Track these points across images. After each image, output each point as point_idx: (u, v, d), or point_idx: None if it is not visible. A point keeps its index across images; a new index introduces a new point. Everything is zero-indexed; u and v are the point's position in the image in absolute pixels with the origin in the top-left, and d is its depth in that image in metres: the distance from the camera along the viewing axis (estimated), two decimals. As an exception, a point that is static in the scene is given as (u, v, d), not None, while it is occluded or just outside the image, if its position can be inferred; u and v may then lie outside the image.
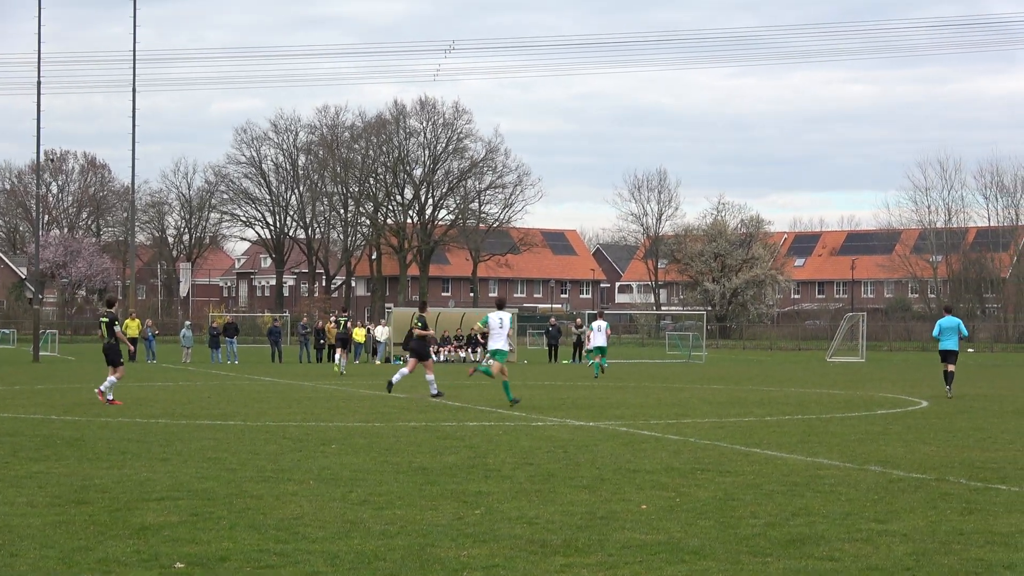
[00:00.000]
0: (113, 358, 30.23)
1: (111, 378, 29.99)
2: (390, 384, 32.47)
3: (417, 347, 32.85)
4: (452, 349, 64.68)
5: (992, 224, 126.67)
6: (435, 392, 31.86)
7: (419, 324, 33.58)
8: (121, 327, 31.64)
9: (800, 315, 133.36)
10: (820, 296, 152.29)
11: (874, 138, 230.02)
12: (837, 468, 17.89)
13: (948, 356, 35.51)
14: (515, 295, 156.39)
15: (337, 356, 51.53)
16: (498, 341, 30.82)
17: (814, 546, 11.91)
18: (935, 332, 36.46)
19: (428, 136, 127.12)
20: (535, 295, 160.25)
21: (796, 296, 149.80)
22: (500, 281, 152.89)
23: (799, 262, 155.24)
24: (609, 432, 23.36)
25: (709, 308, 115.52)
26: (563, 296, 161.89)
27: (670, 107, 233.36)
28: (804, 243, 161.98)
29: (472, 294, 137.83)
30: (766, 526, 12.95)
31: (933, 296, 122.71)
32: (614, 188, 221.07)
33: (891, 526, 13.01)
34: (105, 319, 30.76)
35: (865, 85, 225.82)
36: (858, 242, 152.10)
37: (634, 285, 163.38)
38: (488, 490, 15.37)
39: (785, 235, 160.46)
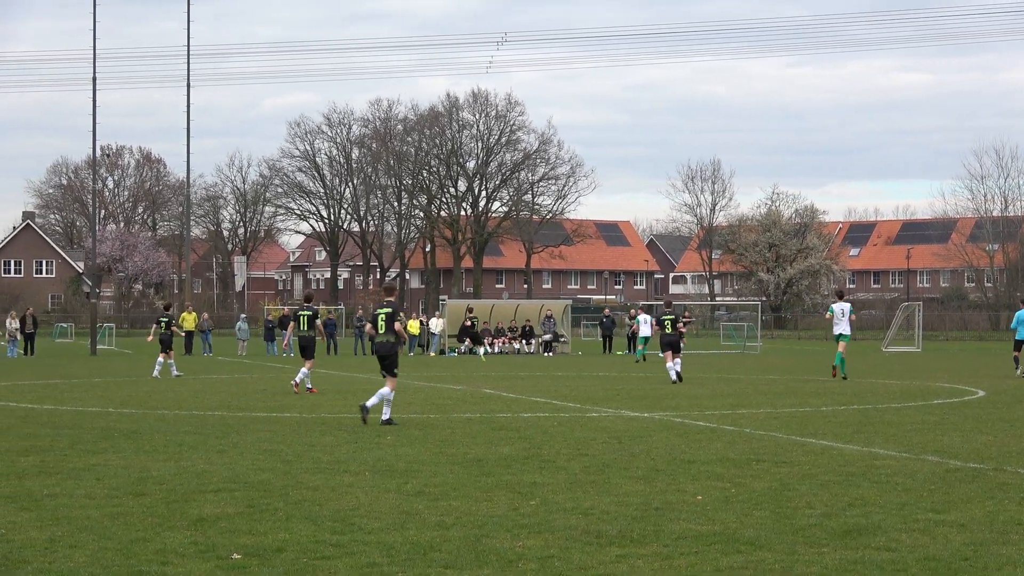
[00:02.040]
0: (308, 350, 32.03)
1: (304, 369, 31.25)
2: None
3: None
4: (506, 341, 64.70)
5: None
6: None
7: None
8: (178, 320, 31.20)
9: (857, 305, 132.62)
10: (875, 286, 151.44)
11: (928, 127, 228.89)
12: (893, 458, 17.79)
13: (1021, 345, 38.19)
14: (569, 286, 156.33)
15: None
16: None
17: (870, 536, 11.86)
18: (1013, 324, 38.93)
19: (481, 128, 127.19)
20: (588, 286, 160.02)
21: (851, 286, 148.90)
22: (553, 272, 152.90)
23: (854, 252, 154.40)
24: (664, 423, 23.33)
25: (763, 298, 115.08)
26: (617, 287, 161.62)
27: (724, 97, 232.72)
28: (859, 232, 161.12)
29: (526, 286, 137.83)
30: (822, 516, 12.90)
31: (990, 285, 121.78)
32: (667, 179, 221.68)
33: (948, 516, 12.93)
34: (307, 312, 32.22)
35: (920, 73, 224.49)
36: (913, 231, 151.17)
37: (688, 276, 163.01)
38: (543, 481, 15.38)
39: (840, 225, 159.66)
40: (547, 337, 64.08)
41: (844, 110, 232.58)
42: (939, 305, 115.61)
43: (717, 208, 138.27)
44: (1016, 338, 38.81)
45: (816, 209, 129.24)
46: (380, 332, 23.77)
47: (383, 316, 23.81)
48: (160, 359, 40.22)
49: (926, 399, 29.74)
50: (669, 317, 37.39)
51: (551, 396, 30.44)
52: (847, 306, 38.24)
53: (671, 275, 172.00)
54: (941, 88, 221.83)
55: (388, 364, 23.46)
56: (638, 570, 10.41)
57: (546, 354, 62.52)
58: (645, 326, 54.84)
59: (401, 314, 24.94)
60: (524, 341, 64.76)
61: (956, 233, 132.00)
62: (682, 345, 38.29)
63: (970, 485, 15.13)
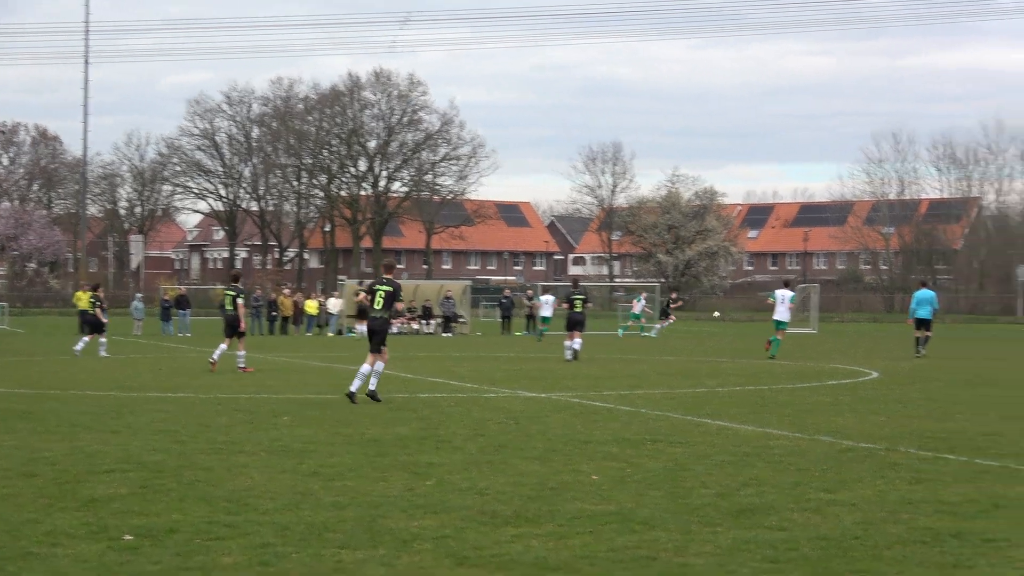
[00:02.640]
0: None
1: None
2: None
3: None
4: (405, 321, 64.57)
5: (944, 196, 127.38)
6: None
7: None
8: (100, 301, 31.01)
9: (753, 286, 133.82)
10: (773, 267, 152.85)
11: (829, 110, 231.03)
12: (787, 438, 17.96)
13: (921, 324, 39.91)
14: (468, 267, 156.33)
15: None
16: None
17: (763, 516, 11.95)
18: (912, 304, 40.68)
19: (383, 108, 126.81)
20: (488, 267, 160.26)
21: (749, 267, 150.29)
22: (454, 253, 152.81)
23: (752, 234, 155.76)
24: (561, 403, 23.39)
25: (663, 280, 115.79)
26: (517, 268, 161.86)
27: (627, 79, 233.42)
28: (758, 215, 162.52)
29: (425, 266, 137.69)
30: (716, 496, 12.98)
31: (885, 268, 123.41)
32: (569, 161, 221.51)
33: (840, 496, 13.07)
34: (231, 292, 32.50)
35: (822, 57, 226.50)
36: (811, 214, 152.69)
37: (587, 257, 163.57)
38: (439, 461, 15.35)
39: (739, 207, 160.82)
40: (446, 317, 64.08)
41: (746, 93, 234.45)
42: (835, 287, 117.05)
43: (618, 190, 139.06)
44: (916, 317, 40.21)
45: (716, 191, 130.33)
46: (377, 308, 23.90)
47: (382, 293, 23.90)
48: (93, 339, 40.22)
49: (821, 380, 30.06)
50: (579, 297, 37.76)
51: (449, 376, 30.42)
52: (789, 294, 40.37)
53: (571, 256, 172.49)
54: (842, 72, 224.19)
55: (378, 340, 23.71)
56: (533, 550, 10.41)
57: (445, 334, 62.51)
58: (547, 307, 56.19)
59: (401, 293, 24.61)
60: (423, 321, 64.66)
61: (853, 216, 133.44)
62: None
63: (862, 465, 15.30)
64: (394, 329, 62.20)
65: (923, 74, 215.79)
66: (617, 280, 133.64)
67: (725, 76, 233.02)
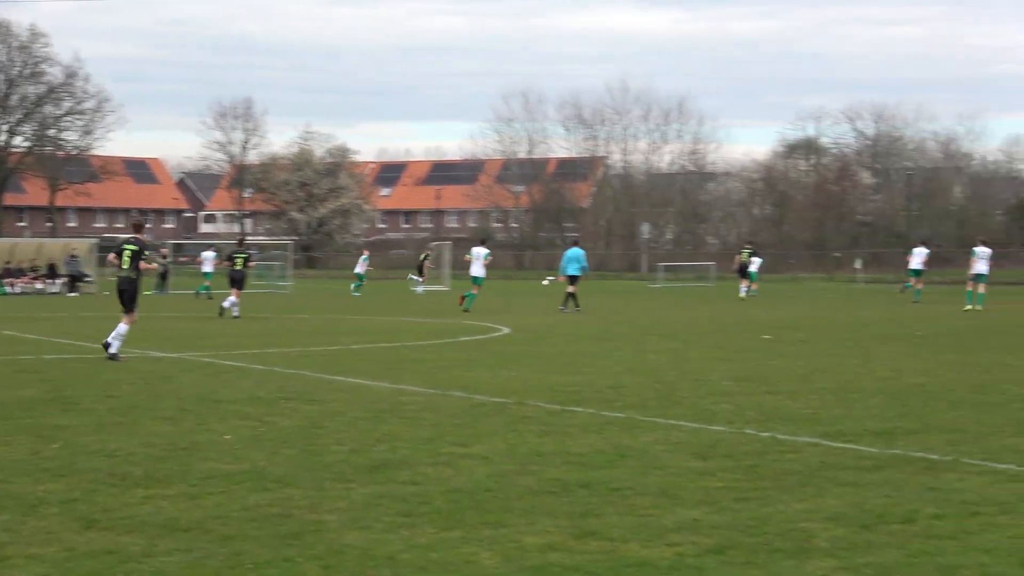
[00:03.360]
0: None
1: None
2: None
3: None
4: (28, 280, 62.38)
5: (572, 155, 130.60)
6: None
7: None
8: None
9: (387, 244, 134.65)
10: (406, 225, 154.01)
11: (461, 69, 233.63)
12: (421, 394, 18.13)
13: (572, 280, 42.32)
14: (95, 225, 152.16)
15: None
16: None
17: (397, 471, 12.02)
18: (563, 262, 42.91)
19: (2, 59, 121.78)
20: (116, 225, 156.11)
21: (383, 225, 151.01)
22: (80, 210, 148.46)
23: (385, 192, 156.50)
24: (192, 363, 23.02)
25: (296, 238, 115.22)
26: (146, 226, 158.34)
27: (258, 34, 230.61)
28: (391, 173, 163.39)
29: (50, 224, 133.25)
30: (350, 452, 13.00)
31: (516, 225, 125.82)
32: (199, 117, 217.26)
33: (472, 449, 13.26)
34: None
35: (453, 17, 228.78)
36: (443, 172, 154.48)
37: (219, 215, 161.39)
38: (67, 424, 14.90)
39: (371, 165, 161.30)
40: (71, 276, 62.22)
41: (377, 51, 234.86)
42: (467, 244, 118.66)
43: (249, 146, 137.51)
44: (566, 274, 42.39)
45: (348, 149, 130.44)
46: (124, 267, 23.48)
47: (129, 252, 23.43)
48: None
49: (454, 336, 30.45)
50: (241, 255, 39.26)
51: (76, 337, 29.56)
52: (484, 251, 45.08)
53: (202, 214, 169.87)
54: (473, 32, 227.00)
55: (127, 299, 23.51)
56: (163, 511, 10.21)
57: (71, 294, 60.71)
58: (208, 264, 58.73)
59: (146, 252, 23.85)
60: (48, 281, 62.60)
61: (484, 175, 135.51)
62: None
63: (494, 419, 15.57)
64: (17, 289, 60.38)
65: (551, 35, 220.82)
66: (250, 238, 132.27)
67: (356, 34, 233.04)
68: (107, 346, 23.19)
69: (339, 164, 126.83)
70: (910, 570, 8.57)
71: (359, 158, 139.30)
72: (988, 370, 21.58)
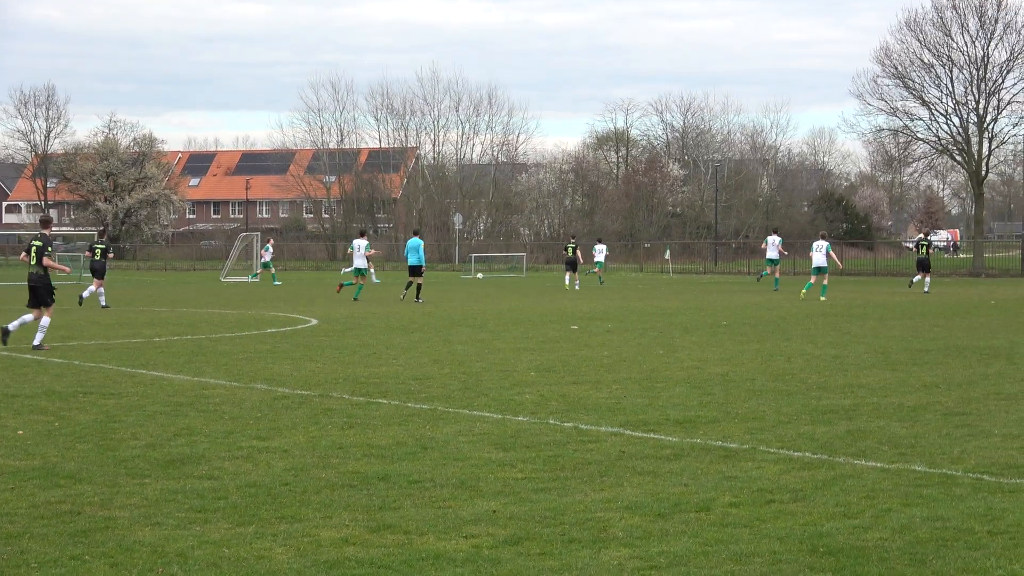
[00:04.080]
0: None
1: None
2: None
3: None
4: None
5: (383, 146, 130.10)
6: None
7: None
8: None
9: (195, 235, 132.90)
10: (216, 216, 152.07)
11: (269, 59, 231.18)
12: (223, 387, 17.88)
13: (413, 271, 43.44)
14: None
15: None
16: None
17: (194, 465, 11.82)
18: (406, 251, 44.46)
19: None
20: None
21: (191, 216, 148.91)
22: None
23: (194, 182, 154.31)
24: (-12, 356, 22.42)
25: (101, 228, 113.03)
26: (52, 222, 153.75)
27: (60, 21, 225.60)
28: (199, 163, 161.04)
29: None
30: (146, 447, 12.75)
31: (327, 216, 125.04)
32: (0, 104, 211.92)
33: (272, 443, 13.10)
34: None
35: (258, 5, 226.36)
36: (253, 162, 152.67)
37: (23, 204, 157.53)
38: None
39: (180, 154, 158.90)
40: None
41: (180, 39, 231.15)
42: (278, 235, 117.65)
43: (52, 135, 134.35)
44: (409, 264, 43.77)
45: (155, 138, 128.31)
46: (32, 263, 24.06)
47: (35, 248, 24.06)
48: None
49: (260, 328, 30.11)
50: (100, 246, 41.31)
51: None
52: (365, 242, 45.86)
53: (5, 204, 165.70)
54: (279, 20, 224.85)
55: (39, 295, 24.06)
56: (-53, 511, 9.90)
57: None
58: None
59: (50, 248, 24.27)
60: None
61: (295, 165, 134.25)
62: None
63: (296, 411, 15.41)
64: None
65: (359, 24, 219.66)
66: (56, 229, 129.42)
67: (156, 22, 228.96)
68: (5, 332, 24.11)
69: (146, 154, 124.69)
70: (703, 559, 8.64)
71: (166, 148, 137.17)
72: (789, 359, 21.97)
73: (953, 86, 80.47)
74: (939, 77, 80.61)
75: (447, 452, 12.59)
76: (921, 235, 57.58)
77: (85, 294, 40.38)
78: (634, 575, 8.30)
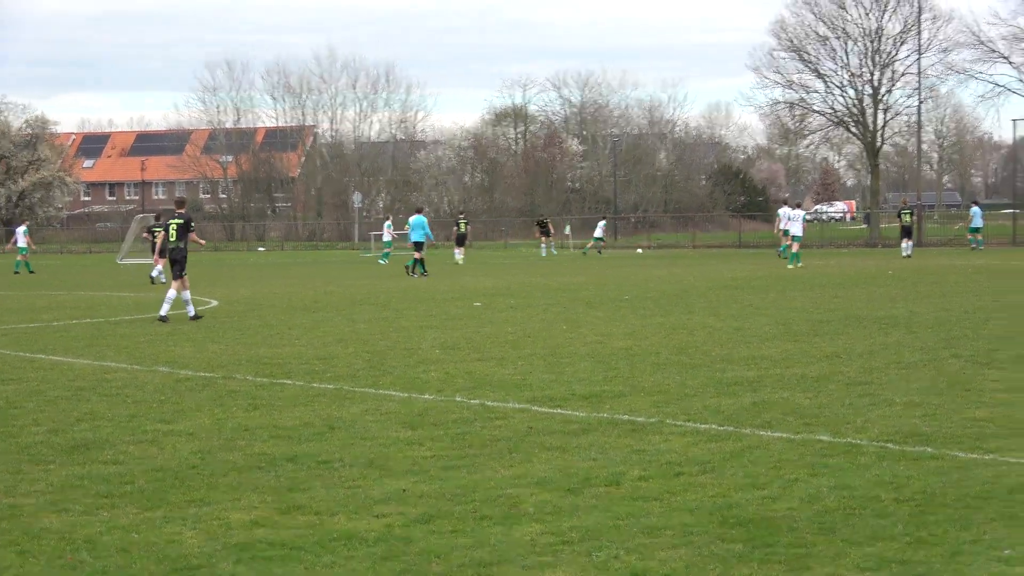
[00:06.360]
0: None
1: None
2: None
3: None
4: None
5: (280, 124, 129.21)
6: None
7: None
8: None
9: (91, 217, 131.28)
10: (111, 198, 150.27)
11: (164, 40, 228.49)
12: (125, 370, 17.69)
13: (417, 247, 46.02)
14: None
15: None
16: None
17: (98, 451, 11.68)
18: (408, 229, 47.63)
19: None
20: None
21: (87, 198, 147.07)
22: None
23: (88, 163, 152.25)
24: None
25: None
26: None
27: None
28: (93, 144, 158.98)
29: None
30: (49, 433, 12.58)
31: (224, 196, 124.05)
32: None
33: (177, 426, 12.97)
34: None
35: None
36: (148, 143, 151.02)
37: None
38: None
39: (73, 136, 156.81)
40: None
41: (75, 18, 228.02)
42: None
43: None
44: (412, 240, 46.29)
45: (48, 120, 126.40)
46: (172, 239, 26.79)
47: (175, 226, 26.89)
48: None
49: (158, 311, 29.75)
50: None
51: None
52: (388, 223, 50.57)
53: None
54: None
55: (178, 268, 26.66)
56: None
57: None
58: (21, 238, 58.98)
59: (193, 223, 27.67)
60: None
61: (191, 145, 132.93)
62: None
63: (200, 394, 15.28)
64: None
65: (253, 4, 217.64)
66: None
67: (47, 3, 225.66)
68: (163, 319, 26.04)
69: (38, 136, 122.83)
70: (615, 532, 8.66)
71: (59, 130, 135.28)
72: (692, 332, 22.10)
73: (848, 58, 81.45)
74: (834, 50, 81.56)
75: (354, 432, 12.54)
76: (903, 204, 61.98)
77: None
78: (546, 550, 8.30)
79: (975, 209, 65.81)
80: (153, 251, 42.18)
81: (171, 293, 26.65)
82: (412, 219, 47.36)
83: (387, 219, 65.54)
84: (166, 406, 14.31)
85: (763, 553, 8.15)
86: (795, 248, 47.69)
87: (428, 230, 47.25)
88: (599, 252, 71.95)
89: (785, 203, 52.36)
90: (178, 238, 26.84)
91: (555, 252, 71.54)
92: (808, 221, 61.86)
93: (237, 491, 10.00)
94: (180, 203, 28.11)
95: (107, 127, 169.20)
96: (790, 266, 46.14)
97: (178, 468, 10.89)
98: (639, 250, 73.30)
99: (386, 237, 63.01)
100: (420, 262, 45.79)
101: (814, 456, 11.02)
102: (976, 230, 63.98)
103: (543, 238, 72.81)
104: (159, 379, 16.72)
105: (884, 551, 8.14)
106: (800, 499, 9.48)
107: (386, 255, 61.06)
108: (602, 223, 75.31)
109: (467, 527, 8.85)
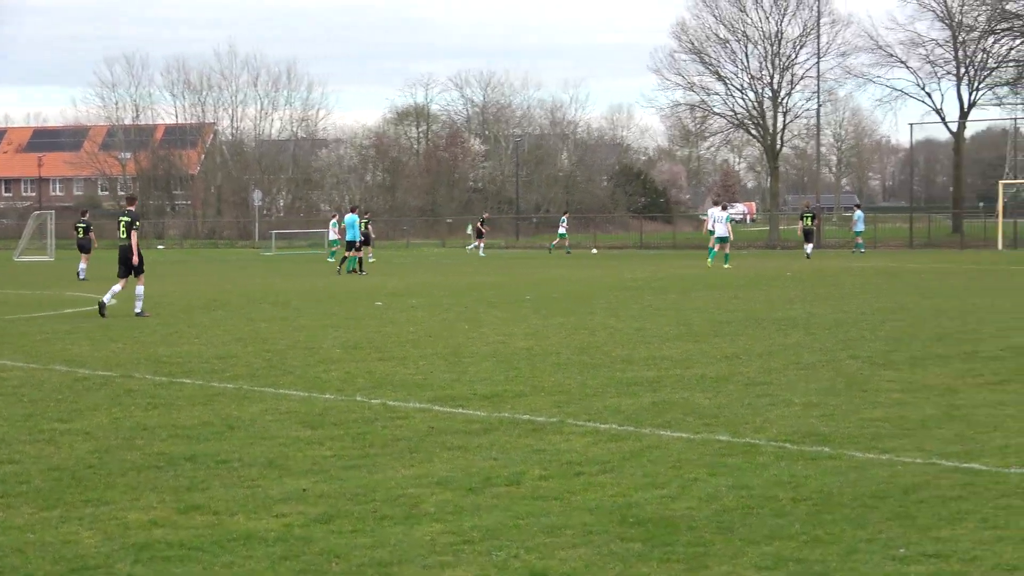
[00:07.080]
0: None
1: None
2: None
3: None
4: None
5: (180, 121, 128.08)
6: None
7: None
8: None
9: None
10: (8, 195, 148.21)
11: (62, 34, 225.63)
12: (21, 369, 17.48)
13: (350, 246, 46.72)
14: None
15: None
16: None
17: (-7, 450, 11.53)
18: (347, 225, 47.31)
19: None
20: None
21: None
22: None
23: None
24: None
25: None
26: None
27: None
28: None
29: None
30: (-57, 433, 12.40)
31: (123, 193, 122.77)
32: None
33: (74, 425, 12.84)
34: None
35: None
36: (46, 139, 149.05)
37: None
38: None
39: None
40: None
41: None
42: (72, 213, 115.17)
43: None
44: (348, 239, 46.69)
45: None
46: (121, 236, 26.57)
47: (123, 223, 26.63)
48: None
49: (57, 309, 29.46)
50: None
51: None
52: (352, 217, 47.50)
53: None
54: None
55: (127, 265, 26.41)
56: None
57: None
58: None
59: (138, 222, 27.03)
60: None
61: (89, 141, 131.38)
62: None
63: (98, 393, 15.12)
64: None
65: (151, 2, 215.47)
66: None
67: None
68: (101, 305, 26.13)
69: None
70: (516, 532, 8.68)
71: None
72: (593, 332, 22.20)
73: (748, 61, 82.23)
74: (735, 52, 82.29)
75: (254, 431, 12.47)
76: (804, 207, 63.37)
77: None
78: (446, 550, 8.30)
79: (858, 213, 66.85)
80: (79, 247, 44.96)
81: (139, 289, 26.68)
82: (347, 218, 47.76)
83: (334, 217, 65.08)
84: (63, 405, 14.15)
85: (662, 552, 8.20)
86: (717, 248, 48.28)
87: (358, 229, 47.55)
88: (567, 252, 71.05)
89: (715, 203, 52.36)
90: (127, 235, 26.59)
91: (482, 254, 70.67)
92: (733, 222, 62.30)
93: (135, 491, 9.92)
94: (131, 200, 28.00)
95: (3, 122, 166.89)
96: (726, 266, 46.76)
97: (75, 467, 10.78)
98: (594, 250, 73.11)
99: (332, 236, 62.77)
100: (356, 260, 46.64)
101: (713, 456, 11.11)
102: (859, 233, 65.02)
103: (478, 240, 73.07)
104: (56, 378, 16.53)
105: (781, 550, 8.23)
106: (699, 498, 9.56)
107: (333, 254, 60.80)
108: (564, 219, 74.67)
109: (367, 527, 8.83)
